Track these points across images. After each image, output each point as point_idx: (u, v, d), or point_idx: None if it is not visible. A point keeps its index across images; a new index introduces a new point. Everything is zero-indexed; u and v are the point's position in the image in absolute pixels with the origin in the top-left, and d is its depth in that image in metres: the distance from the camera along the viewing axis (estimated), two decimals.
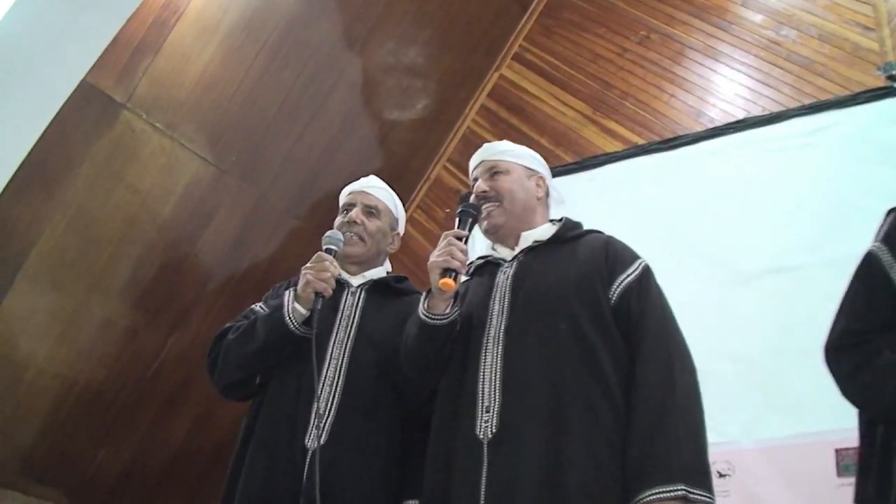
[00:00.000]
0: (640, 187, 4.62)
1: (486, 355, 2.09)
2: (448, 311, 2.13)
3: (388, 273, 2.73)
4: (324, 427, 2.23)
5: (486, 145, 2.59)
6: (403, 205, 5.55)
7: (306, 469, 2.14)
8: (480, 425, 1.99)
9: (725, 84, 4.81)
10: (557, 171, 4.97)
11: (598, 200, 4.68)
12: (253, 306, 2.59)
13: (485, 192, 2.38)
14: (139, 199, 4.53)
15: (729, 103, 4.71)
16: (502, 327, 2.12)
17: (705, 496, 1.81)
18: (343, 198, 2.80)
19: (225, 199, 4.83)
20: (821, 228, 3.91)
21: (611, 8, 5.52)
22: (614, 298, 2.13)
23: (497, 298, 2.19)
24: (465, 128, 5.71)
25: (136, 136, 4.43)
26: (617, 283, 2.14)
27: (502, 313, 2.15)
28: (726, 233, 4.18)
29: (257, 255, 5.11)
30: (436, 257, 2.12)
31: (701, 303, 3.89)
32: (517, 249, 2.32)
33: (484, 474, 1.92)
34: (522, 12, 5.86)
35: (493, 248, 2.41)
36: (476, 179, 2.47)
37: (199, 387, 4.89)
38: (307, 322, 2.31)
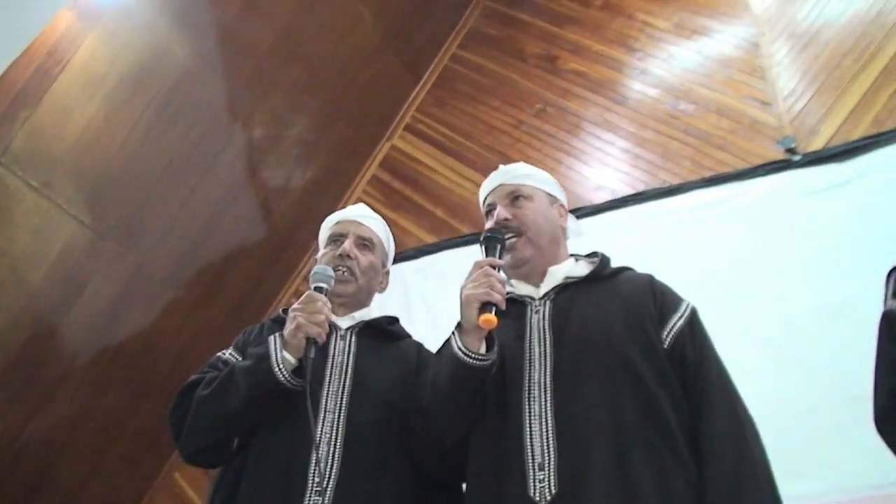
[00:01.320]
0: None
1: (531, 404, 1.83)
2: (487, 351, 1.86)
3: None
4: (325, 492, 1.90)
5: (502, 167, 2.29)
6: (288, 277, 5.37)
7: None
8: (535, 485, 1.73)
9: (624, 156, 4.75)
10: (455, 243, 4.85)
11: None
12: (220, 355, 2.21)
13: (507, 220, 2.10)
14: (8, 263, 4.07)
15: (628, 175, 4.64)
16: (548, 373, 1.86)
17: None
18: (329, 227, 2.47)
19: (101, 266, 4.40)
20: (726, 296, 3.80)
21: (504, 81, 5.46)
22: (668, 343, 1.91)
23: (536, 341, 1.93)
24: (355, 198, 5.48)
25: (10, 193, 3.98)
26: (669, 327, 1.93)
27: (545, 357, 1.89)
28: None
29: (133, 328, 4.68)
30: (473, 289, 1.84)
31: None
32: (544, 286, 2.06)
33: None
34: (415, 82, 5.75)
35: (511, 285, 2.08)
36: (492, 206, 2.18)
37: (64, 473, 4.51)
38: (296, 372, 1.98)
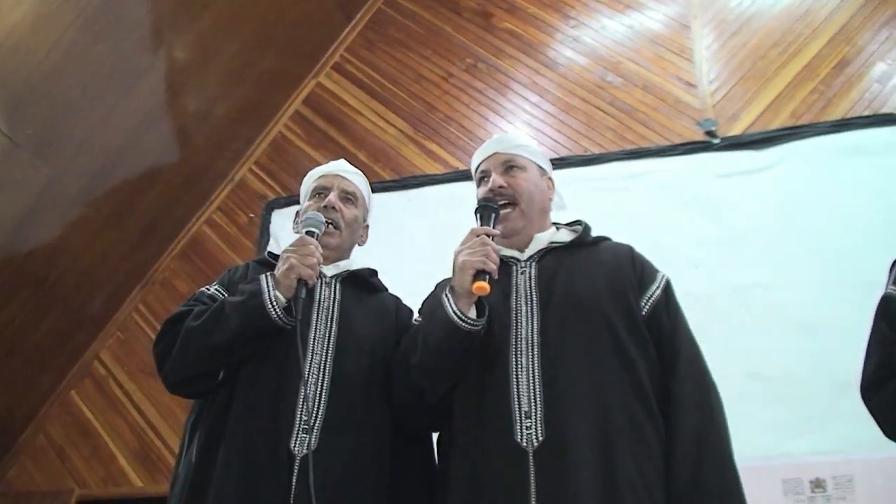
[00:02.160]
0: (460, 211, 4.48)
1: (518, 357, 1.93)
2: (477, 315, 1.94)
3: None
4: (312, 431, 1.95)
5: (498, 136, 2.38)
6: (202, 205, 5.29)
7: (295, 476, 1.88)
8: (522, 433, 1.84)
9: (549, 120, 4.81)
10: (375, 188, 4.82)
11: (416, 220, 4.55)
12: (205, 290, 2.22)
13: (502, 187, 2.19)
14: None
15: (552, 139, 4.70)
16: (535, 329, 1.96)
17: None
18: (313, 180, 2.49)
19: (13, 176, 4.21)
20: None
21: (437, 32, 5.44)
22: (646, 311, 2.03)
23: (523, 300, 2.02)
24: (277, 132, 5.41)
25: None
26: (648, 295, 2.06)
27: (532, 315, 1.99)
28: None
29: (40, 242, 4.52)
30: (469, 256, 1.93)
31: None
32: (529, 250, 2.15)
33: (532, 483, 1.78)
34: (347, 22, 5.66)
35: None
36: (485, 172, 2.27)
37: None
38: (285, 311, 2.01)
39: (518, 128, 4.83)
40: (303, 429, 1.94)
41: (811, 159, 4.15)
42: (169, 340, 2.06)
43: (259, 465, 1.91)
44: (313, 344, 2.08)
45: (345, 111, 5.33)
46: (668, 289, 2.11)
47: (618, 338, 1.95)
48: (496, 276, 1.95)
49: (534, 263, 2.11)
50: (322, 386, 2.02)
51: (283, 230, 4.84)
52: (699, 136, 4.44)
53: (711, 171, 4.26)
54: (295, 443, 1.93)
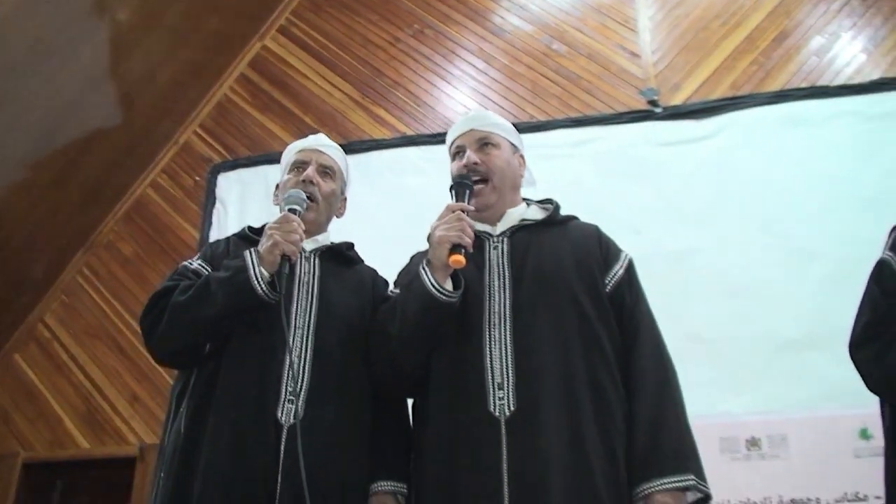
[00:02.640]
0: (407, 177, 4.56)
1: (491, 331, 2.04)
2: (453, 287, 2.04)
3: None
4: (298, 401, 2.03)
5: (474, 113, 2.48)
6: (146, 167, 5.24)
7: (283, 445, 1.97)
8: (495, 403, 1.95)
9: (495, 87, 4.87)
10: None
11: (362, 185, 4.54)
12: (188, 264, 2.26)
13: (476, 164, 2.27)
14: None
15: (498, 105, 4.75)
16: (507, 304, 2.07)
17: (705, 486, 1.92)
18: (292, 154, 2.53)
19: None
20: None
21: None
22: (610, 287, 2.16)
23: (495, 274, 2.13)
24: (222, 95, 5.36)
25: None
26: (612, 273, 2.18)
27: (504, 290, 2.10)
28: None
29: None
30: (445, 231, 2.02)
31: None
32: (501, 226, 2.25)
33: (504, 451, 1.90)
34: None
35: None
36: (461, 148, 2.34)
37: None
38: (270, 286, 2.07)
39: (464, 93, 4.88)
40: (289, 399, 2.02)
41: (750, 129, 4.28)
42: (156, 314, 2.10)
43: (248, 434, 1.98)
44: (295, 318, 2.14)
45: (291, 74, 5.31)
46: (630, 268, 2.23)
47: (584, 313, 2.07)
48: (471, 251, 2.05)
49: (506, 239, 2.21)
50: (305, 358, 2.09)
51: (230, 194, 4.83)
52: (642, 105, 4.53)
53: (654, 140, 4.36)
54: (282, 412, 2.01)
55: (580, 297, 2.08)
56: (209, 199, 4.87)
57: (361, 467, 2.10)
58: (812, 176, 4.07)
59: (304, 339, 2.12)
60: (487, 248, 2.17)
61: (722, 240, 3.96)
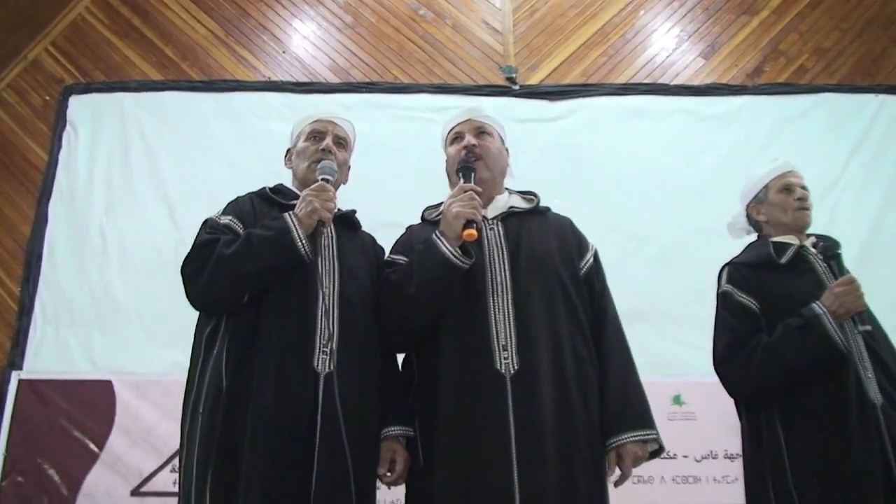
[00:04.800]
0: (271, 122, 4.60)
1: (495, 299, 2.33)
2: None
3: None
4: (330, 353, 2.25)
5: (473, 106, 2.78)
6: None
7: (322, 391, 2.19)
8: (500, 361, 2.25)
9: (363, 44, 4.97)
10: (182, 87, 4.82)
11: (224, 124, 4.59)
12: (218, 219, 2.42)
13: (474, 146, 2.55)
14: None
15: (364, 63, 4.88)
16: (507, 277, 2.37)
17: (661, 440, 2.34)
18: (309, 123, 2.66)
19: None
20: (427, 196, 4.19)
21: None
22: (583, 273, 2.51)
23: (495, 251, 2.42)
24: (77, 14, 5.13)
25: None
26: (585, 261, 2.54)
27: (504, 264, 2.39)
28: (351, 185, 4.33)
29: None
30: (462, 207, 2.28)
31: None
32: (491, 211, 2.52)
33: (511, 403, 2.21)
34: None
35: None
36: (459, 134, 2.63)
37: None
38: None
39: (331, 46, 4.95)
40: (322, 350, 2.23)
41: (597, 116, 4.64)
42: (199, 264, 2.28)
43: (290, 381, 2.19)
44: (322, 279, 2.32)
45: (152, 3, 5.15)
46: (597, 258, 2.59)
47: (567, 292, 2.42)
48: (481, 227, 2.36)
49: (499, 222, 2.50)
50: (333, 314, 2.30)
51: (81, 117, 4.68)
52: (501, 80, 4.80)
53: (509, 115, 4.56)
54: (318, 362, 2.22)
55: (563, 277, 2.44)
56: (59, 121, 4.69)
57: (377, 415, 2.34)
58: (649, 165, 4.48)
59: (331, 296, 2.31)
60: (485, 229, 2.42)
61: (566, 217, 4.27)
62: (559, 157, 4.47)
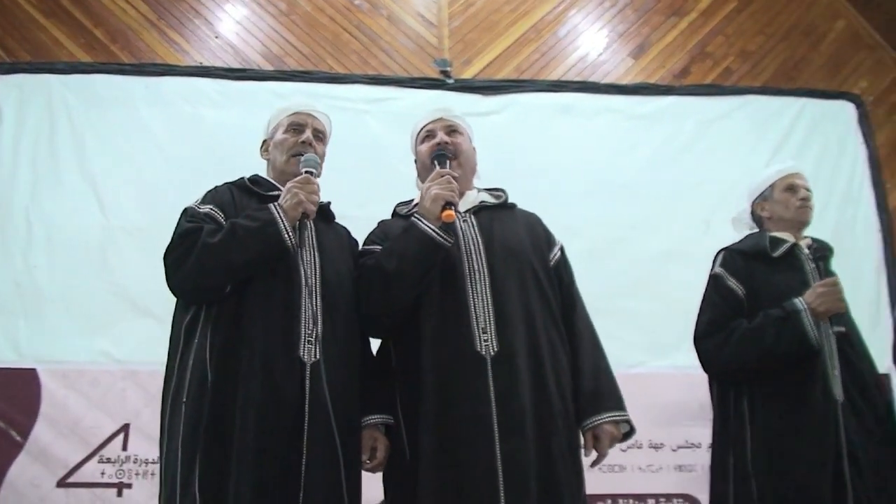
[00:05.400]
0: (202, 108, 4.56)
1: (473, 285, 2.42)
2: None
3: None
4: (314, 342, 2.29)
5: (442, 106, 2.92)
6: None
7: (309, 380, 2.23)
8: (481, 343, 2.35)
9: (297, 32, 4.95)
10: (111, 69, 4.74)
11: (153, 110, 4.53)
12: (198, 209, 2.41)
13: (447, 143, 2.65)
14: None
15: (299, 52, 4.86)
16: (484, 264, 2.46)
17: (632, 422, 2.48)
18: (287, 115, 2.70)
19: None
20: (363, 187, 4.22)
21: None
22: (552, 264, 2.64)
23: (470, 240, 2.50)
24: None
25: None
26: (553, 254, 2.67)
27: (480, 252, 2.48)
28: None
29: None
30: (441, 190, 2.37)
31: None
32: (463, 205, 2.58)
33: (491, 384, 2.30)
34: None
35: None
36: (431, 132, 2.72)
37: None
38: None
39: (265, 34, 4.91)
40: (307, 340, 2.28)
41: (530, 112, 4.71)
42: (182, 252, 2.28)
43: (277, 370, 2.22)
44: (306, 267, 2.37)
45: None
46: (564, 251, 2.72)
47: (539, 279, 2.54)
48: (459, 209, 2.48)
49: (471, 215, 2.59)
50: (316, 304, 2.34)
51: (7, 99, 4.49)
52: (435, 73, 4.84)
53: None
54: (303, 352, 2.26)
55: (536, 266, 2.55)
56: None
57: (357, 398, 2.39)
58: (578, 161, 4.58)
59: (314, 286, 2.34)
60: (458, 221, 2.48)
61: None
62: (491, 152, 4.44)
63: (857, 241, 4.59)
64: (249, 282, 2.29)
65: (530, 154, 4.55)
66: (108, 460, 3.79)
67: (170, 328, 2.40)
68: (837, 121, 5.06)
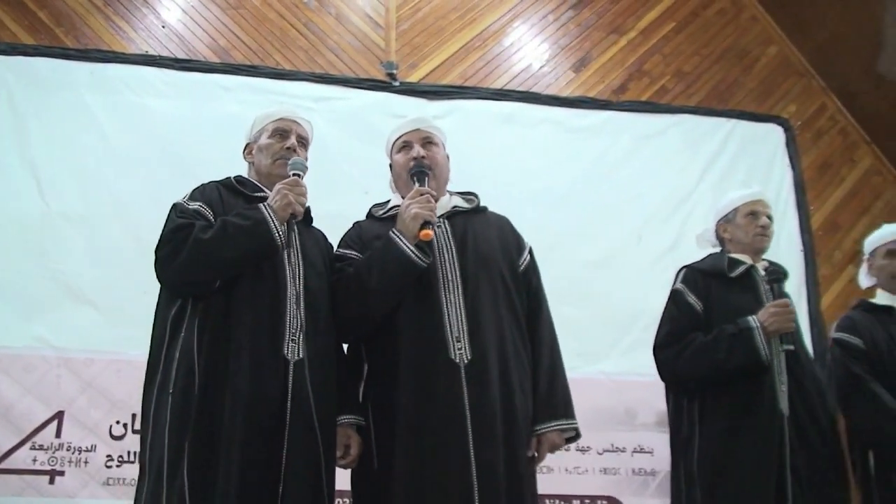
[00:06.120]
0: (148, 98, 4.54)
1: (447, 295, 2.53)
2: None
3: None
4: (298, 341, 2.38)
5: (418, 116, 3.04)
6: None
7: (292, 378, 2.33)
8: (455, 352, 2.46)
9: (245, 26, 4.95)
10: (55, 53, 4.68)
11: (97, 97, 4.49)
12: (187, 205, 2.50)
13: (423, 157, 2.74)
14: None
15: (246, 46, 4.87)
16: (457, 272, 2.57)
17: (578, 429, 2.62)
18: (272, 121, 2.78)
19: None
20: (308, 185, 4.24)
21: None
22: (521, 269, 2.75)
23: (445, 249, 2.61)
24: None
25: None
26: (523, 259, 2.78)
27: (454, 262, 2.59)
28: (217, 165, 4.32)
29: None
30: (420, 209, 2.47)
31: None
32: (438, 210, 2.64)
33: (465, 391, 2.42)
34: None
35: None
36: (407, 143, 2.80)
37: None
38: None
39: (212, 26, 4.90)
40: (292, 338, 2.37)
41: (472, 119, 4.81)
42: (175, 246, 2.36)
43: (263, 367, 2.32)
44: (290, 267, 2.45)
45: None
46: (532, 255, 2.83)
47: (507, 286, 2.65)
48: (437, 227, 2.57)
49: (445, 220, 2.69)
50: (300, 303, 2.44)
51: None
52: (382, 76, 4.91)
53: (389, 111, 4.73)
54: (287, 350, 2.36)
55: (505, 273, 2.67)
56: None
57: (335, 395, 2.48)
58: (518, 170, 4.71)
59: (297, 286, 2.43)
60: (432, 227, 2.55)
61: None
62: None
63: (781, 259, 4.77)
64: (237, 279, 2.37)
65: (472, 160, 4.58)
66: (41, 447, 3.75)
67: (152, 321, 2.47)
68: (766, 143, 5.30)
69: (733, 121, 5.29)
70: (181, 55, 4.76)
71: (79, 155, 4.34)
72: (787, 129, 5.38)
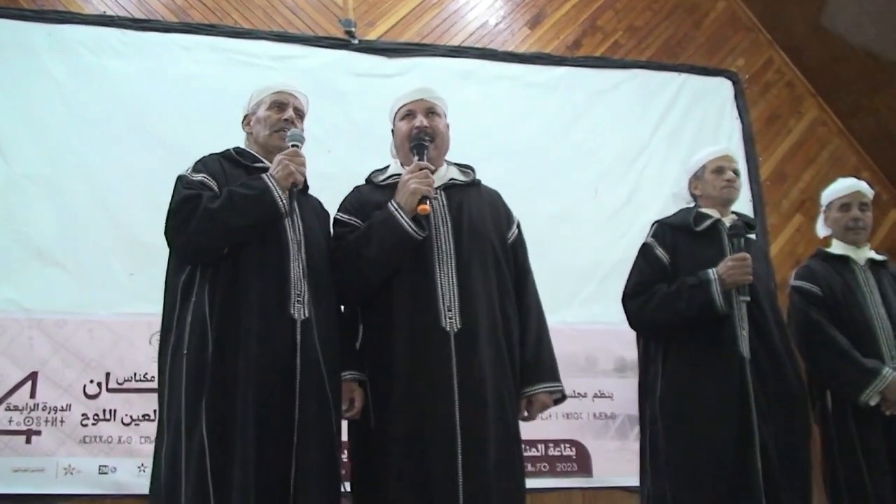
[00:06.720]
0: (105, 59, 4.53)
1: (441, 266, 2.65)
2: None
3: None
4: (303, 302, 2.50)
5: (422, 86, 2.98)
6: None
7: (300, 336, 2.46)
8: (445, 320, 2.58)
9: None
10: (12, 14, 4.64)
11: (55, 58, 4.48)
12: (192, 177, 2.60)
13: (426, 127, 2.81)
14: None
15: (203, 5, 4.86)
16: (451, 245, 2.68)
17: (564, 391, 2.79)
18: (270, 94, 2.85)
19: None
20: None
21: None
22: (510, 242, 2.88)
23: (440, 221, 2.71)
24: None
25: None
26: (511, 232, 2.91)
27: (448, 234, 2.70)
28: (177, 124, 4.37)
29: None
30: (419, 184, 2.58)
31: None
32: (436, 181, 2.76)
33: (454, 357, 2.54)
34: None
35: (404, 168, 2.78)
36: (411, 112, 2.86)
37: None
38: None
39: None
40: (297, 299, 2.49)
41: (431, 76, 4.82)
42: (185, 215, 2.47)
43: (273, 327, 2.45)
44: (293, 232, 2.56)
45: None
46: (520, 228, 2.96)
47: (498, 258, 2.78)
48: (434, 201, 2.69)
49: (443, 192, 2.80)
50: (302, 266, 2.56)
51: None
52: (340, 33, 4.94)
53: (348, 69, 4.80)
54: (293, 310, 2.48)
55: (496, 246, 2.80)
56: None
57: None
58: (478, 126, 4.75)
59: (300, 251, 2.56)
60: (429, 201, 2.65)
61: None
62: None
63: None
64: (243, 246, 2.48)
65: None
66: (16, 408, 3.82)
67: (163, 287, 2.57)
68: (716, 96, 5.47)
69: (684, 75, 5.43)
70: (139, 15, 4.75)
71: (40, 117, 4.34)
72: (736, 83, 5.55)
